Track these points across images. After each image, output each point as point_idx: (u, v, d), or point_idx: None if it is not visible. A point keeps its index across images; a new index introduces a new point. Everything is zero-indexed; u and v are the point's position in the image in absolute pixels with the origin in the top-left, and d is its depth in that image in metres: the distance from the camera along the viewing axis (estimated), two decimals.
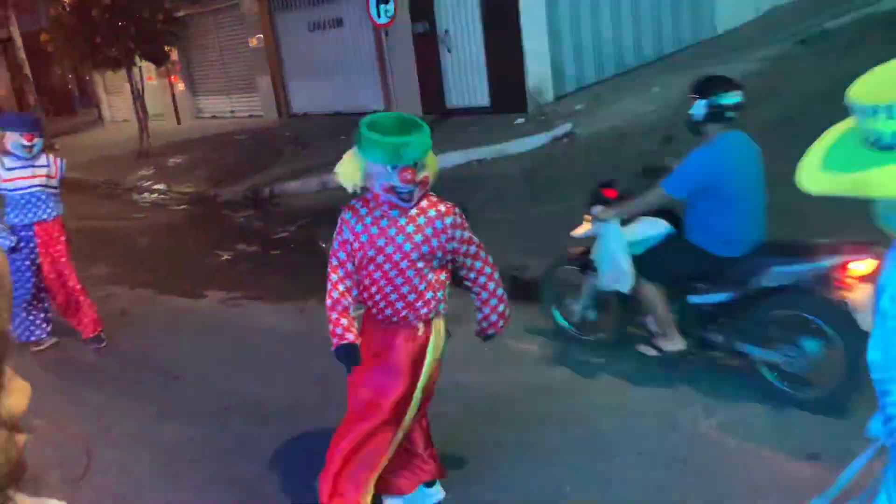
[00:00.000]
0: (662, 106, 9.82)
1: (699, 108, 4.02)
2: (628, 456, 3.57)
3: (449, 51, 12.11)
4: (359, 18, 12.93)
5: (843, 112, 1.44)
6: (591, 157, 8.77)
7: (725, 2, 13.01)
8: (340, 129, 12.85)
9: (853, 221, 2.53)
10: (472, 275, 3.11)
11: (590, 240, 4.41)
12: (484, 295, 3.15)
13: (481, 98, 11.80)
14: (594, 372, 4.44)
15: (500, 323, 3.21)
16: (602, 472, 3.47)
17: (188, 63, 18.26)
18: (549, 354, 4.73)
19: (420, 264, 2.90)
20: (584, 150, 9.11)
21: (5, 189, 5.31)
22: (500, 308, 3.18)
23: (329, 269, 2.99)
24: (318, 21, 14.65)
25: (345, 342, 2.92)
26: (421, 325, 3.01)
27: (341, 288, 2.97)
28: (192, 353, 5.48)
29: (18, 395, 0.61)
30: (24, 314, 5.53)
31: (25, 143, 5.24)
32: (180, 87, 18.64)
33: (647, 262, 4.12)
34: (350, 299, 2.98)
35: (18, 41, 18.14)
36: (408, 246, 2.87)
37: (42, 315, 5.68)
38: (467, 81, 12.02)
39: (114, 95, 20.79)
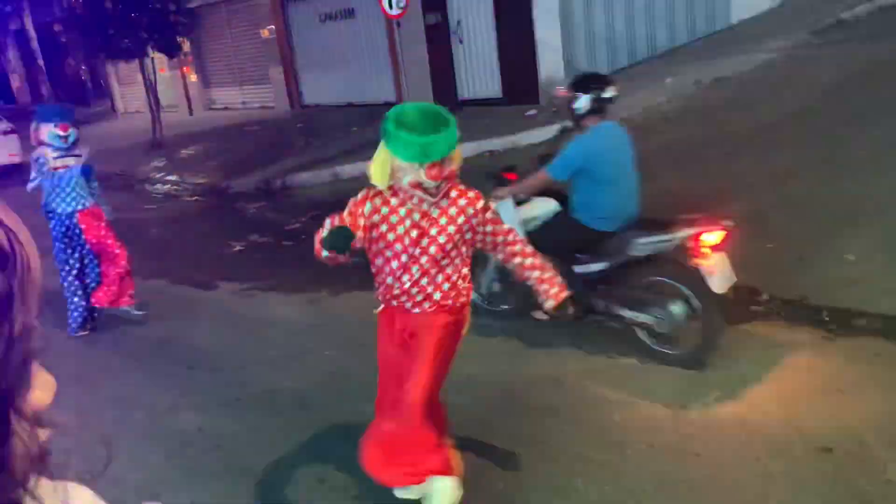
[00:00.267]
0: (675, 97, 9.76)
1: (582, 102, 4.48)
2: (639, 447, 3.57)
3: (461, 42, 12.08)
4: (371, 9, 12.90)
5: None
6: None
7: None
8: (352, 121, 12.86)
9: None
10: (512, 257, 3.10)
11: None
12: (534, 272, 3.10)
13: (493, 89, 11.78)
14: (603, 363, 4.43)
15: (558, 285, 3.11)
16: (615, 464, 3.47)
17: (200, 54, 18.29)
18: (560, 345, 4.73)
19: (454, 254, 2.96)
20: None
21: (56, 175, 5.36)
22: (548, 274, 3.12)
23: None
24: (330, 12, 14.64)
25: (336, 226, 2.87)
26: (451, 313, 3.06)
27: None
28: (206, 344, 5.50)
29: (42, 391, 0.61)
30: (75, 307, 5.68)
31: (61, 133, 5.31)
32: (193, 78, 18.68)
33: (538, 236, 4.45)
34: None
35: (32, 32, 18.21)
36: (443, 238, 2.91)
37: (83, 304, 5.76)
38: (479, 73, 11.99)
39: (126, 86, 20.87)
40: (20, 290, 0.53)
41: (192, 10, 15.57)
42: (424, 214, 2.92)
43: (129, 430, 4.40)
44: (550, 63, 10.88)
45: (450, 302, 3.04)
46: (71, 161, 5.41)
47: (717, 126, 8.37)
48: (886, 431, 3.37)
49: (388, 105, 9.80)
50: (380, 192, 2.96)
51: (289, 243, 7.89)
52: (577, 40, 11.07)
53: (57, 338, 5.68)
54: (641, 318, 4.34)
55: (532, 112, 10.56)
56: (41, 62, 18.66)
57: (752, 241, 5.50)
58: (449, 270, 2.98)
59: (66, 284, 5.66)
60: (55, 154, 5.35)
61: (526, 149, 9.28)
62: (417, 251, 2.93)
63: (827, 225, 5.46)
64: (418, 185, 2.83)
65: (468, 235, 2.98)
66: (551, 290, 3.08)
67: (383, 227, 2.94)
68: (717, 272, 4.01)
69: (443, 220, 2.92)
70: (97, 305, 5.81)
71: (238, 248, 7.95)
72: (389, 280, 3.02)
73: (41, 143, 5.37)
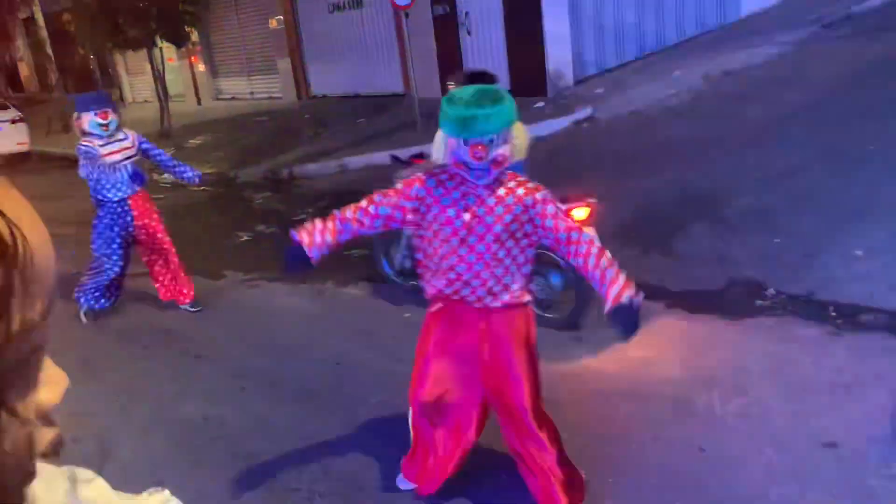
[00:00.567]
0: (684, 90, 9.72)
1: None
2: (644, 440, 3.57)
3: (469, 33, 12.04)
4: (379, 0, 12.88)
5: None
6: (612, 141, 8.72)
7: None
8: (360, 112, 12.85)
9: None
10: (576, 257, 2.76)
11: None
12: (597, 272, 2.71)
13: (501, 81, 11.69)
14: (607, 355, 4.43)
15: (620, 282, 2.67)
16: (618, 458, 3.48)
17: (208, 44, 18.29)
18: (559, 338, 4.73)
19: (510, 245, 2.80)
20: (604, 134, 9.06)
21: (105, 163, 5.32)
22: (611, 275, 2.69)
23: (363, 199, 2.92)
24: (339, 2, 14.61)
25: (296, 242, 2.90)
26: (518, 311, 2.97)
27: (351, 213, 2.93)
28: (212, 333, 5.53)
29: (52, 388, 0.58)
30: (98, 286, 5.67)
31: (101, 121, 5.26)
32: (200, 68, 18.68)
33: None
34: (349, 228, 2.94)
35: (40, 20, 18.24)
36: (498, 227, 2.76)
37: (116, 289, 5.79)
38: (487, 64, 11.91)
39: (135, 76, 20.90)
40: (21, 284, 0.51)
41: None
42: (480, 201, 2.78)
43: (134, 418, 4.43)
44: (558, 55, 10.85)
45: (514, 299, 2.90)
46: (117, 147, 5.36)
47: (725, 120, 8.33)
48: (891, 426, 3.36)
49: (396, 96, 9.93)
50: (436, 174, 2.86)
51: None
52: (585, 33, 11.03)
53: (64, 325, 5.72)
54: None
55: (540, 104, 10.54)
56: (50, 51, 18.68)
57: (760, 235, 5.50)
58: (508, 262, 2.83)
59: (97, 268, 5.60)
60: (101, 142, 5.29)
61: (533, 141, 9.26)
62: (472, 238, 2.79)
63: (835, 220, 5.44)
64: (463, 165, 2.73)
65: (528, 228, 2.80)
66: (611, 292, 2.66)
67: (435, 210, 2.83)
68: None
69: (499, 209, 2.76)
70: (185, 303, 5.85)
71: (245, 238, 7.97)
72: (444, 266, 2.87)
73: (84, 133, 5.32)
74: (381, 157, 9.74)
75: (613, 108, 9.68)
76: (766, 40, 10.84)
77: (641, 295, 2.65)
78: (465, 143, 2.68)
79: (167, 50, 15.70)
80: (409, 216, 2.88)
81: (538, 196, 2.78)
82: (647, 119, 9.03)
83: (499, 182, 2.81)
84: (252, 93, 17.60)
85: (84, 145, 5.28)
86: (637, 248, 5.67)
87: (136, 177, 5.47)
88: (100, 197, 5.44)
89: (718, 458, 3.37)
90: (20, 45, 25.90)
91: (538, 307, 4.76)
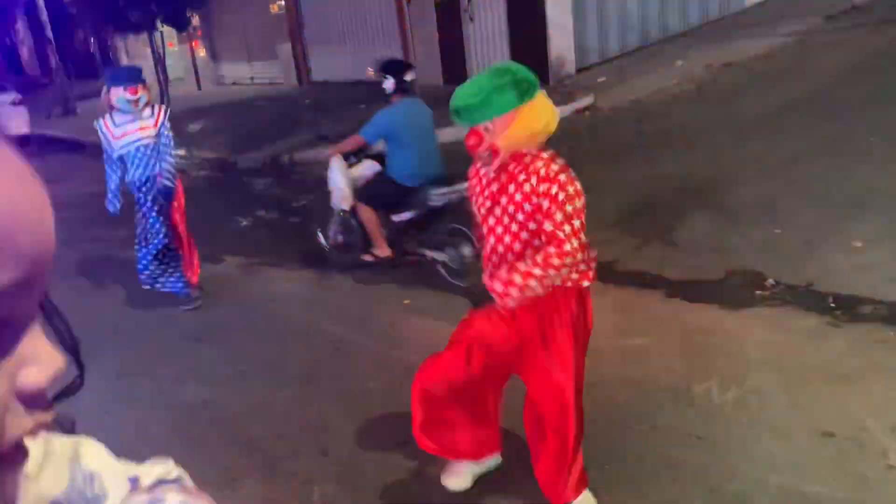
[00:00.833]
0: (686, 80, 9.70)
1: (389, 83, 5.40)
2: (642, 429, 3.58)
3: (471, 20, 11.99)
4: None
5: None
6: (613, 129, 8.70)
7: None
8: (360, 98, 12.81)
9: None
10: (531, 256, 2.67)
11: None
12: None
13: None
14: (607, 343, 4.44)
15: (497, 282, 2.62)
16: (615, 445, 3.49)
17: (209, 29, 18.23)
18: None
19: (532, 226, 2.69)
20: (605, 123, 9.04)
21: (119, 146, 5.23)
22: (505, 273, 2.61)
23: None
24: None
25: None
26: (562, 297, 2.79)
27: None
28: (211, 317, 5.53)
29: (38, 368, 0.52)
30: (161, 268, 5.55)
31: (130, 97, 5.13)
32: (201, 52, 18.63)
33: (364, 191, 5.60)
34: None
35: (41, 3, 18.15)
36: (511, 207, 2.72)
37: (180, 269, 5.64)
38: (489, 51, 11.92)
39: (135, 60, 20.80)
40: None
41: None
42: (499, 185, 2.75)
43: (134, 401, 4.44)
44: (561, 43, 10.81)
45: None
46: (137, 126, 5.23)
47: (726, 110, 8.32)
48: (888, 418, 3.37)
49: None
50: (475, 163, 2.89)
51: (295, 219, 7.89)
52: (588, 21, 10.99)
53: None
54: (440, 256, 5.41)
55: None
56: (50, 34, 18.60)
57: (760, 225, 5.49)
58: (530, 242, 2.71)
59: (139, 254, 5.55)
60: (120, 121, 5.19)
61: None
62: (491, 220, 2.78)
63: (835, 211, 5.43)
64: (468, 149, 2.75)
65: (538, 217, 2.66)
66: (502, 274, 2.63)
67: (474, 180, 2.91)
68: None
69: (511, 188, 2.71)
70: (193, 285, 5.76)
71: (245, 223, 7.97)
72: (484, 232, 2.87)
73: (112, 109, 5.20)
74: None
75: (615, 96, 9.66)
76: (770, 31, 10.81)
77: (499, 287, 2.61)
78: (466, 128, 2.71)
79: (168, 34, 15.62)
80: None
81: (542, 189, 2.62)
82: (649, 108, 9.01)
83: (520, 163, 2.70)
84: (253, 78, 17.55)
85: (101, 129, 5.22)
86: (637, 236, 5.67)
87: (156, 156, 5.35)
88: (126, 178, 5.35)
89: (716, 447, 3.38)
90: (20, 28, 25.80)
91: (450, 275, 5.41)
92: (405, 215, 5.51)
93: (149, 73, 17.46)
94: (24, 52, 26.76)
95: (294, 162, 10.43)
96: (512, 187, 2.71)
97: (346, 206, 5.67)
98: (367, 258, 5.76)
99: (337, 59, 14.95)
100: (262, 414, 4.14)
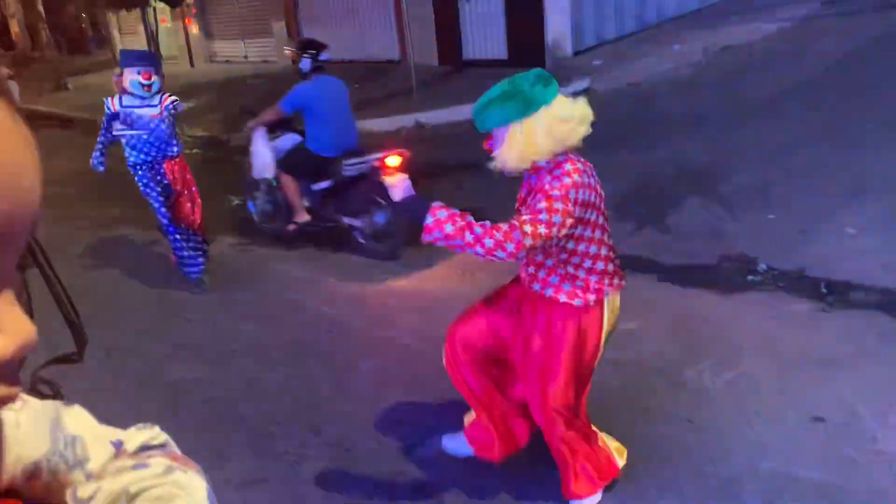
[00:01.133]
0: (683, 64, 9.67)
1: (306, 62, 5.76)
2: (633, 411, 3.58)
3: (468, 1, 11.89)
4: None
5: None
6: (609, 113, 8.67)
7: None
8: (354, 78, 12.72)
9: None
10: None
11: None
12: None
13: (499, 51, 11.63)
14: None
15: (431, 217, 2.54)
16: (606, 428, 3.49)
17: (203, 6, 18.04)
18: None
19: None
20: (601, 106, 8.99)
21: (120, 125, 5.14)
22: (470, 236, 2.48)
23: None
24: None
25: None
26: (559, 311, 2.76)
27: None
28: (202, 296, 5.51)
29: (5, 338, 0.48)
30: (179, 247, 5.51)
31: (143, 81, 5.03)
32: (194, 30, 18.44)
33: (285, 161, 5.94)
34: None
35: None
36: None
37: (193, 251, 5.57)
38: (485, 33, 11.83)
39: (128, 36, 20.63)
40: None
41: None
42: (526, 183, 2.72)
43: (124, 378, 4.42)
44: (558, 26, 10.74)
45: (552, 293, 2.72)
46: (142, 112, 5.13)
47: (722, 95, 8.29)
48: (878, 403, 3.39)
49: (391, 63, 9.90)
50: None
51: None
52: (585, 3, 10.91)
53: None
54: (355, 223, 5.84)
55: None
56: (41, 9, 18.39)
57: (754, 211, 5.49)
58: (542, 252, 2.66)
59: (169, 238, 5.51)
60: (127, 103, 5.10)
61: None
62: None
63: (829, 197, 5.43)
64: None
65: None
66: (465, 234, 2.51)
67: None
68: (398, 186, 5.17)
69: (524, 192, 2.72)
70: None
71: (237, 201, 7.91)
72: None
73: (125, 92, 5.11)
74: (376, 123, 9.68)
75: (611, 80, 9.61)
76: (767, 16, 10.77)
77: (430, 221, 2.52)
78: None
79: (161, 10, 15.46)
80: None
81: (542, 186, 2.55)
82: (645, 92, 8.98)
83: (548, 170, 2.59)
84: (246, 56, 17.40)
85: (107, 104, 5.14)
86: (631, 221, 5.66)
87: (160, 142, 5.24)
88: (127, 162, 5.27)
89: (707, 431, 3.39)
90: (10, 2, 25.50)
91: (365, 240, 5.88)
92: (323, 184, 5.89)
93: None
94: (15, 26, 26.46)
95: None
96: (526, 193, 2.69)
97: (268, 174, 6.02)
98: (291, 227, 6.11)
99: (331, 38, 14.67)
100: (254, 392, 4.13)
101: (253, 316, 5.10)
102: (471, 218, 2.53)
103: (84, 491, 0.65)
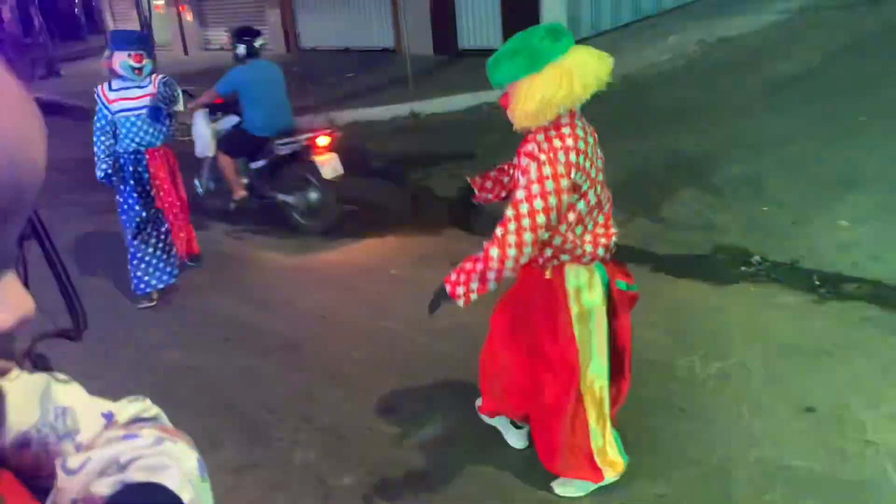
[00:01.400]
0: (679, 55, 9.65)
1: (241, 49, 6.14)
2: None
3: None
4: None
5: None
6: (603, 104, 8.65)
7: None
8: (349, 66, 12.67)
9: None
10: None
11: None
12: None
13: (494, 40, 11.58)
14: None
15: (452, 277, 2.58)
16: None
17: None
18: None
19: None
20: (595, 97, 8.98)
21: (111, 111, 4.84)
22: (468, 265, 2.55)
23: None
24: None
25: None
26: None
27: None
28: (196, 283, 5.48)
29: (6, 311, 0.48)
30: (139, 255, 5.05)
31: (134, 63, 4.76)
32: (188, 17, 18.32)
33: (224, 141, 6.23)
34: None
35: None
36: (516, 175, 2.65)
37: (165, 257, 5.16)
38: (481, 22, 11.80)
39: (121, 22, 20.45)
40: None
41: None
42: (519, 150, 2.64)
43: (116, 365, 4.41)
44: (553, 15, 10.70)
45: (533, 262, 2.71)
46: (136, 94, 4.86)
47: (717, 86, 8.29)
48: (868, 393, 3.40)
49: (387, 51, 9.90)
50: None
51: None
52: None
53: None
54: (289, 199, 6.11)
55: None
56: None
57: (747, 203, 5.50)
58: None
59: (129, 242, 5.06)
60: (117, 86, 4.83)
61: None
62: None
63: (823, 189, 5.44)
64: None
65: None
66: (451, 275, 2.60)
67: None
68: (327, 165, 5.68)
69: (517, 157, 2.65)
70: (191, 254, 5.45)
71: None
72: None
73: (114, 74, 4.85)
74: (371, 113, 9.65)
75: None
76: (765, 8, 10.76)
77: (448, 288, 2.59)
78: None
79: None
80: None
81: (523, 163, 2.53)
82: (640, 83, 8.96)
83: (544, 131, 2.55)
84: None
85: (98, 95, 4.85)
86: (625, 211, 5.65)
87: (149, 128, 4.93)
88: (116, 147, 4.95)
89: (698, 420, 3.40)
90: None
91: (299, 216, 6.16)
92: (259, 163, 6.19)
93: None
94: (6, 11, 26.25)
95: None
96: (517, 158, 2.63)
97: (209, 153, 6.32)
98: (232, 204, 6.37)
99: (326, 26, 14.75)
100: (246, 380, 4.12)
101: (247, 304, 5.09)
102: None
103: (74, 461, 0.65)
